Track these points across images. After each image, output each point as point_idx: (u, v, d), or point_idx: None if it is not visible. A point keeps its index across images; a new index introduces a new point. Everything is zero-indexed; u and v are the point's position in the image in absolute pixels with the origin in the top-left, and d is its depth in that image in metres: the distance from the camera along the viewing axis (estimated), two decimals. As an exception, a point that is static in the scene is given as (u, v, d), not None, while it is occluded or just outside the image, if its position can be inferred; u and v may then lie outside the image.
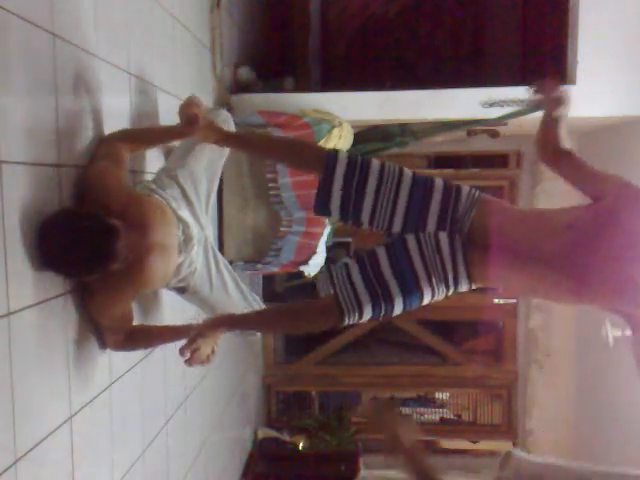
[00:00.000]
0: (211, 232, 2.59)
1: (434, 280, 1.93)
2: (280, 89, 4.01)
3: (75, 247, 1.79)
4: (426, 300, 1.97)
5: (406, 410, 5.92)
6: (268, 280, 4.63)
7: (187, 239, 2.27)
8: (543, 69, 4.16)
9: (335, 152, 2.03)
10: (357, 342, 5.62)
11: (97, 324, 2.07)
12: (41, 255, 1.75)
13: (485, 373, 5.52)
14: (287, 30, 5.19)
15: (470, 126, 4.02)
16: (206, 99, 3.33)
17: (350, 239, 4.80)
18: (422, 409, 5.97)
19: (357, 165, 1.97)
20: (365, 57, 5.32)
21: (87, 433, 2.04)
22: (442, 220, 1.95)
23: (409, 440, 1.68)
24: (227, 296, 2.54)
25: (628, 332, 1.90)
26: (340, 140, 3.53)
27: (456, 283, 1.95)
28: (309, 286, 4.26)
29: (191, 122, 2.09)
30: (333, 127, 3.49)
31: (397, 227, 1.98)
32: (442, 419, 5.96)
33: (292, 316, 2.10)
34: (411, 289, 1.93)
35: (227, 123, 2.57)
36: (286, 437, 5.23)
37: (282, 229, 3.61)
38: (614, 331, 3.80)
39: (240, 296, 2.60)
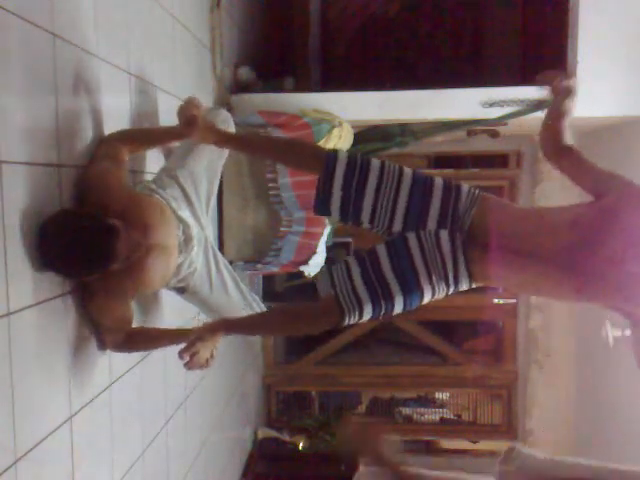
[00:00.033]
0: (211, 232, 2.59)
1: (434, 278, 1.93)
2: (280, 89, 4.00)
3: (75, 247, 1.79)
4: (426, 299, 1.97)
5: (406, 410, 5.91)
6: (268, 280, 4.63)
7: (187, 239, 2.27)
8: (543, 69, 4.15)
9: (335, 152, 2.03)
10: (357, 342, 5.61)
11: (97, 324, 2.07)
12: (41, 255, 1.75)
13: (485, 373, 5.51)
14: (287, 30, 5.19)
15: (470, 126, 4.02)
16: (206, 99, 3.33)
17: (350, 239, 4.78)
18: (422, 409, 5.96)
19: (357, 165, 1.97)
20: (365, 57, 5.32)
21: (87, 433, 2.04)
22: (443, 219, 1.95)
23: (395, 461, 1.69)
24: (227, 296, 2.54)
25: (628, 332, 1.90)
26: (340, 140, 3.52)
27: (456, 281, 1.95)
28: (309, 286, 4.25)
29: (190, 123, 2.09)
30: (333, 127, 3.49)
31: (397, 226, 1.98)
32: (442, 419, 5.95)
33: (292, 319, 2.09)
34: (412, 288, 1.93)
35: (227, 123, 2.57)
36: (286, 437, 5.23)
37: (282, 229, 3.61)
38: (614, 331, 3.80)
39: (240, 296, 2.59)
